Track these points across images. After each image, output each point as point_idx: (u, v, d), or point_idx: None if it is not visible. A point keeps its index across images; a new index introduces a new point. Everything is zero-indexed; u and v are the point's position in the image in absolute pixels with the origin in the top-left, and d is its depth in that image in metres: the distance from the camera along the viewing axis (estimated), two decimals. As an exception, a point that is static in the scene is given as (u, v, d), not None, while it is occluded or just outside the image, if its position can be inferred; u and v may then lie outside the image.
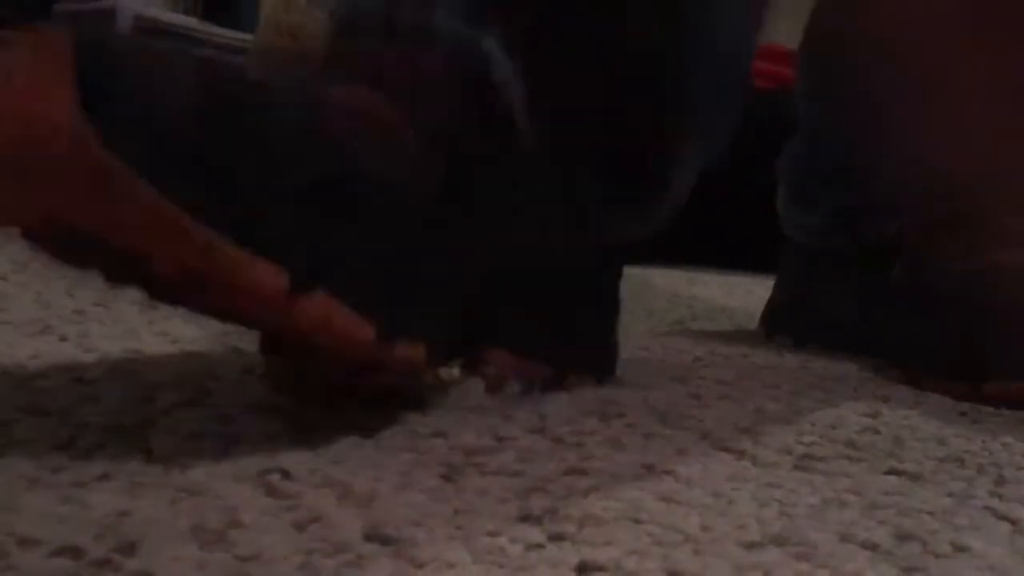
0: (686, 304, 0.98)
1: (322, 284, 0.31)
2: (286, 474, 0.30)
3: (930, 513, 0.31)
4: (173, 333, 0.52)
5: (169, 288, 0.30)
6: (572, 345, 0.46)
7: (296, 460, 0.31)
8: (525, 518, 0.28)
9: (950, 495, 0.34)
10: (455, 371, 0.40)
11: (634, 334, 0.64)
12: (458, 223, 0.38)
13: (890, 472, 0.36)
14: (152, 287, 0.31)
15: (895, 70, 0.66)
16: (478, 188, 0.40)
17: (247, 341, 0.44)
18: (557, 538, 0.27)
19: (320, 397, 0.38)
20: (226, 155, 0.29)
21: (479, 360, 0.42)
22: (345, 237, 0.33)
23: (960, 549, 0.28)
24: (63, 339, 0.50)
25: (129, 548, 0.24)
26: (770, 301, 0.76)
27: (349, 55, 0.39)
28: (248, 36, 2.15)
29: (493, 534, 0.27)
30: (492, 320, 0.42)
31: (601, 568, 0.25)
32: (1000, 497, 0.34)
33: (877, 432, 0.42)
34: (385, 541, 0.25)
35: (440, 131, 0.38)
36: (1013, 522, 0.31)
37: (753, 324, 0.77)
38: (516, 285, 0.43)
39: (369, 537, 0.26)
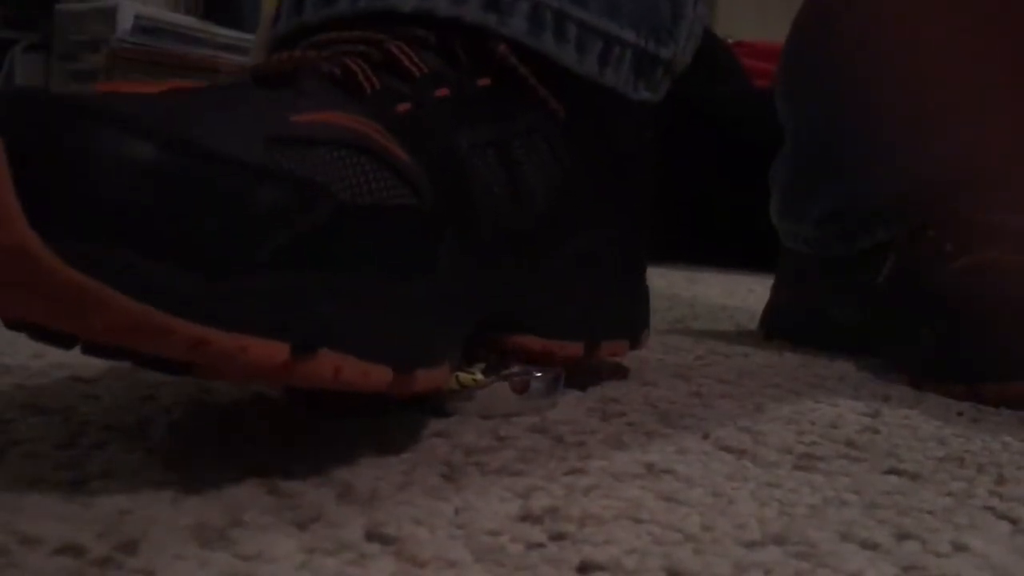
0: (687, 303, 0.98)
1: (326, 342, 0.29)
2: (287, 473, 0.30)
3: (930, 512, 0.31)
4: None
5: (164, 369, 0.28)
6: (603, 315, 0.46)
7: (297, 459, 0.31)
8: (526, 517, 0.28)
9: (950, 494, 0.34)
10: (479, 375, 0.39)
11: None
12: (469, 230, 0.37)
13: (890, 471, 0.36)
14: (147, 368, 0.29)
15: (880, 69, 0.66)
16: (482, 185, 0.39)
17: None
18: (558, 537, 0.27)
19: (334, 407, 0.37)
20: (197, 237, 0.26)
21: (505, 352, 0.41)
22: (343, 283, 0.30)
23: (960, 548, 0.28)
24: (64, 338, 0.50)
25: (131, 546, 0.24)
26: (769, 303, 0.76)
27: (304, 61, 0.35)
28: (248, 36, 2.15)
29: (494, 533, 0.27)
30: (518, 309, 0.42)
31: (602, 567, 0.25)
32: (1000, 496, 0.34)
33: (877, 431, 0.42)
34: (386, 540, 0.26)
35: (428, 133, 0.37)
36: (1013, 521, 0.31)
37: (754, 323, 0.77)
38: (537, 271, 0.42)
39: (370, 536, 0.26)
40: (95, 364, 0.44)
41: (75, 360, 0.44)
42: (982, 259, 0.58)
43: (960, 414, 0.48)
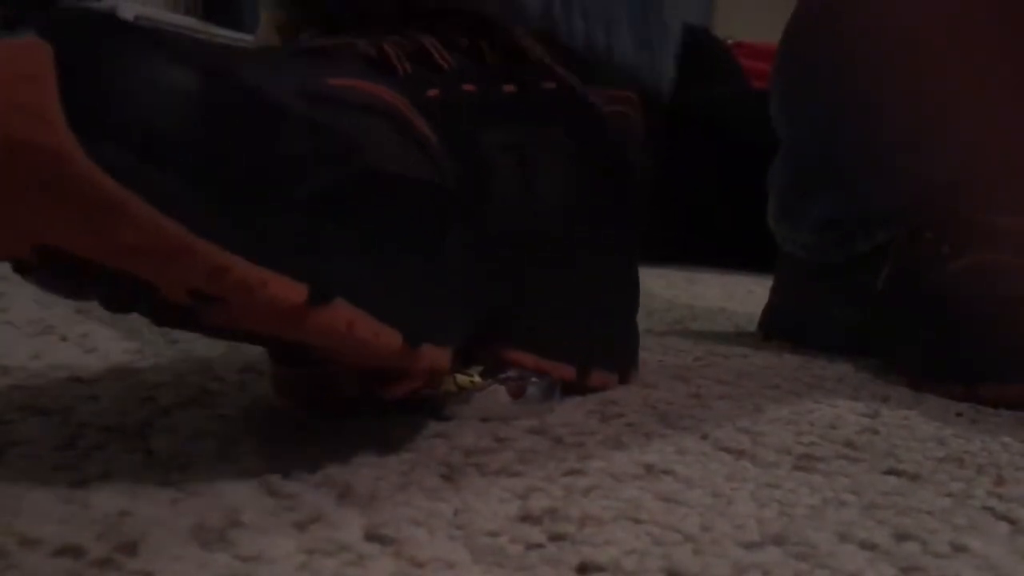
0: (686, 304, 0.98)
1: (342, 293, 0.29)
2: (286, 474, 0.30)
3: (929, 513, 0.31)
4: (173, 333, 0.52)
5: (176, 313, 0.28)
6: (594, 340, 0.46)
7: (296, 460, 0.31)
8: (525, 518, 0.28)
9: (949, 495, 0.34)
10: (476, 377, 0.39)
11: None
12: (479, 221, 0.38)
13: (889, 472, 0.36)
14: (157, 313, 0.29)
15: (881, 70, 0.66)
16: (499, 182, 0.39)
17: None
18: (557, 538, 0.27)
19: (333, 407, 0.37)
20: (232, 165, 0.27)
21: (500, 363, 0.41)
22: (364, 241, 0.31)
23: (959, 549, 0.28)
24: (64, 339, 0.50)
25: (130, 548, 0.24)
26: (768, 304, 0.76)
27: (341, 44, 0.36)
28: (248, 37, 2.15)
29: (493, 534, 0.27)
30: (514, 321, 0.42)
31: (601, 568, 0.25)
32: (999, 497, 0.34)
33: (876, 432, 0.42)
34: (385, 541, 0.26)
35: (454, 120, 0.37)
36: (1012, 522, 0.31)
37: (753, 325, 0.77)
38: (538, 282, 0.42)
39: (370, 537, 0.26)
40: (94, 365, 0.44)
41: (74, 361, 0.44)
42: (982, 260, 0.58)
43: (959, 415, 0.48)
